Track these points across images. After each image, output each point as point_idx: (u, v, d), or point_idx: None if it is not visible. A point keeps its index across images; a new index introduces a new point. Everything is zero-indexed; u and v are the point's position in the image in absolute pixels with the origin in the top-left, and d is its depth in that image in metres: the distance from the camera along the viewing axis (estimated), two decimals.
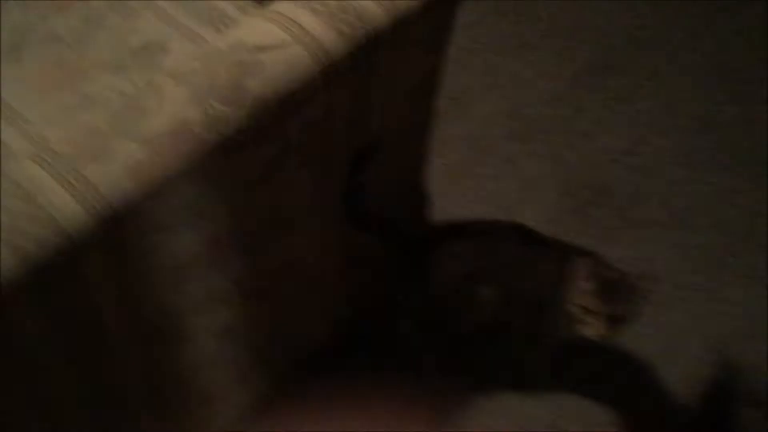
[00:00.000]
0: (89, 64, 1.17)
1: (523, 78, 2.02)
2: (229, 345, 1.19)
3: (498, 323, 1.37)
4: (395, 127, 1.27)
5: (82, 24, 1.22)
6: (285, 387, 1.36)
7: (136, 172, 0.81)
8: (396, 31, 1.03)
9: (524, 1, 2.16)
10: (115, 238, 0.83)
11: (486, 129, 1.92)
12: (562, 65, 2.05)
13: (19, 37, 1.21)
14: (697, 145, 1.88)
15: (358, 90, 1.07)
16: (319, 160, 1.10)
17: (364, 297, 1.46)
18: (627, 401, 1.44)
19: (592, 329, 1.21)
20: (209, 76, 0.88)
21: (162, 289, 0.98)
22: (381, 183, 1.27)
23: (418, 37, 1.14)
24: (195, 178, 0.87)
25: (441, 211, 1.72)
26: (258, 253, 1.11)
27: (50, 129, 1.08)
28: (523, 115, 1.94)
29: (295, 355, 1.39)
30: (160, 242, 0.90)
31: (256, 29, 0.95)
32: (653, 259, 1.64)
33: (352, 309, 1.44)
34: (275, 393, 1.34)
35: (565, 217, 1.72)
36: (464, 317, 1.37)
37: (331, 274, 1.33)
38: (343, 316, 1.44)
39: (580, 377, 1.46)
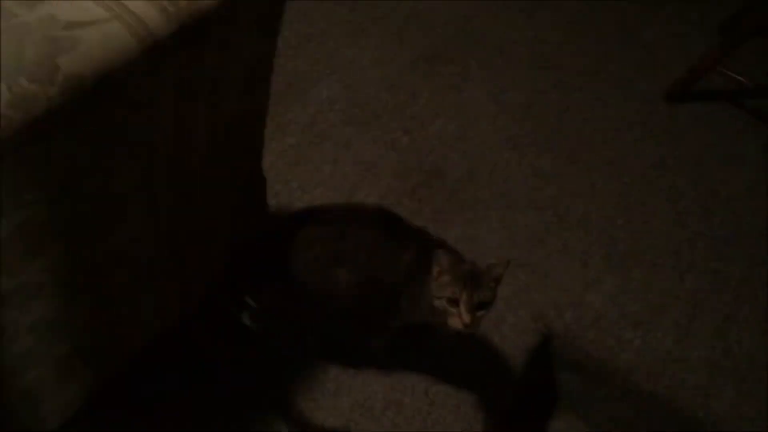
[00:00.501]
0: None
1: (359, 64, 2.06)
2: (50, 340, 1.12)
3: (352, 307, 1.37)
4: (228, 113, 1.24)
5: None
6: (115, 384, 1.30)
7: None
8: (225, 12, 1.01)
9: None
10: None
11: (323, 114, 1.94)
12: (397, 53, 2.11)
13: None
14: (520, 130, 2.01)
15: (186, 74, 1.04)
16: (146, 146, 1.06)
17: (198, 291, 1.43)
18: (459, 373, 1.52)
19: (455, 321, 1.21)
20: (16, 52, 0.82)
21: None
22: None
23: (248, 19, 1.13)
24: (7, 161, 0.81)
25: (278, 195, 1.72)
26: (79, 244, 1.05)
27: None
28: (359, 101, 1.98)
29: (125, 350, 1.34)
30: None
31: (72, 5, 0.90)
32: (482, 238, 1.74)
33: (186, 303, 1.40)
34: (105, 390, 1.28)
35: (400, 199, 1.78)
36: (323, 302, 1.36)
37: (162, 269, 1.29)
38: (176, 312, 1.39)
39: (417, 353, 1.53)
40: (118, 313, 1.26)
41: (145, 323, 1.35)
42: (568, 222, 1.83)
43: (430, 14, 2.24)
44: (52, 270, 1.04)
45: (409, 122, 1.97)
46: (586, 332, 1.61)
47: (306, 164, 1.81)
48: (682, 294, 1.71)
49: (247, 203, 1.49)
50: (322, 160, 1.83)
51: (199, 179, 1.26)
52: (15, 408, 1.15)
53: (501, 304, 1.62)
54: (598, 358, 1.59)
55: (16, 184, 0.86)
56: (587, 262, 1.74)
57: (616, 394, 1.60)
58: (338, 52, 2.08)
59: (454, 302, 1.20)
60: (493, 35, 2.24)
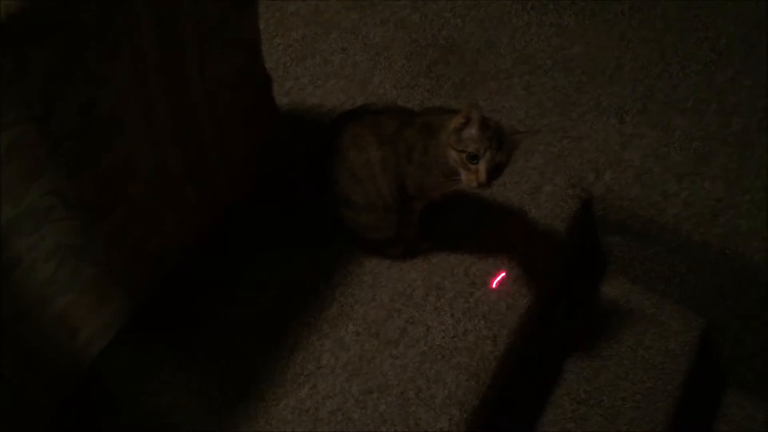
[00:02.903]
0: None
1: None
2: (73, 265, 1.10)
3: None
4: (215, 8, 1.16)
5: None
6: (150, 303, 1.29)
7: None
8: None
9: None
10: None
11: (326, 1, 1.83)
12: None
13: None
14: None
15: None
16: (128, 47, 0.99)
17: (224, 201, 1.38)
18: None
19: (470, 177, 1.16)
20: None
21: None
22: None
23: None
24: None
25: (289, 93, 1.64)
26: (78, 161, 1.00)
27: None
28: None
29: (156, 269, 1.31)
30: None
31: None
32: (509, 108, 1.65)
33: (214, 215, 1.36)
34: (141, 310, 1.27)
35: (416, 80, 1.68)
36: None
37: (178, 179, 1.25)
38: (203, 225, 1.36)
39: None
40: (141, 229, 1.23)
41: (172, 238, 1.32)
42: (599, 79, 1.71)
43: None
44: (56, 192, 1.00)
45: None
46: (628, 191, 1.52)
47: (314, 57, 1.72)
48: (729, 137, 1.60)
49: (255, 105, 1.42)
50: (331, 51, 1.74)
51: (195, 82, 1.19)
52: (52, 337, 1.14)
53: (535, 174, 1.54)
54: (643, 216, 1.51)
55: None
56: (623, 118, 1.63)
57: (666, 251, 1.53)
58: None
59: (474, 158, 1.14)
60: None
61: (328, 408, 1.25)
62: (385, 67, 1.70)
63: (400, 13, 1.81)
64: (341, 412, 1.24)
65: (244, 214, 1.41)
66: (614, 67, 1.72)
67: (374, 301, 1.37)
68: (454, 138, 1.16)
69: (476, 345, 1.32)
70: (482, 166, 1.15)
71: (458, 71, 1.71)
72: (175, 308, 1.33)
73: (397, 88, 1.66)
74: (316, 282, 1.39)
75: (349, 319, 1.35)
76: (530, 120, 1.62)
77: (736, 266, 1.46)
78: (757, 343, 1.58)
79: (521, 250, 1.44)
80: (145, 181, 1.16)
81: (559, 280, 1.56)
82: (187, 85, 1.17)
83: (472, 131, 1.15)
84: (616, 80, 1.70)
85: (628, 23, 1.81)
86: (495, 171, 1.16)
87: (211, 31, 1.17)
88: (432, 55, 1.73)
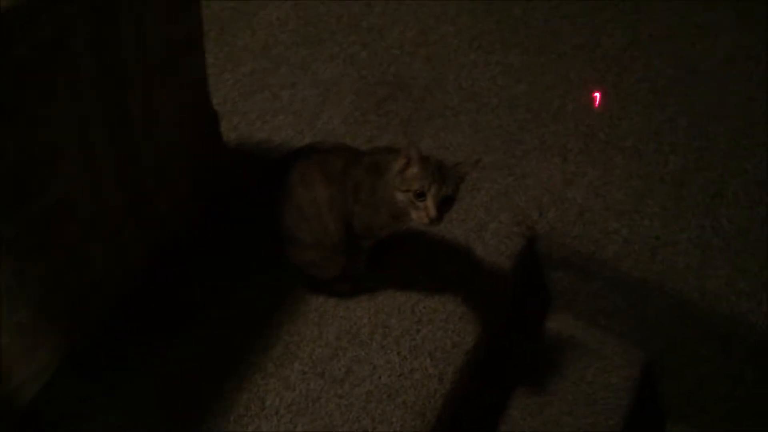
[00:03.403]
0: None
1: None
2: (8, 307, 1.06)
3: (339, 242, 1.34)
4: (158, 41, 1.15)
5: None
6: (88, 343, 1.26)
7: None
8: None
9: None
10: None
11: (275, 37, 1.83)
12: None
13: None
14: (484, 27, 1.91)
15: (100, 6, 0.95)
16: (64, 85, 0.97)
17: (167, 242, 1.36)
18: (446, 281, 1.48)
19: (420, 215, 1.18)
20: None
21: None
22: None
23: None
24: None
25: (237, 128, 1.64)
26: (11, 203, 0.98)
27: None
28: (311, 18, 1.87)
29: (95, 310, 1.28)
30: None
31: None
32: (455, 145, 1.67)
33: (155, 254, 1.34)
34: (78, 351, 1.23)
35: (365, 116, 1.70)
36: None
37: (119, 221, 1.22)
38: (140, 263, 1.33)
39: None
40: (79, 271, 1.20)
41: (110, 277, 1.29)
42: (543, 117, 1.75)
43: None
44: None
45: (366, 34, 1.87)
46: (571, 228, 1.56)
47: (263, 92, 1.72)
48: (667, 176, 1.66)
49: (201, 141, 1.41)
50: (280, 86, 1.74)
51: (138, 121, 1.18)
52: None
53: (481, 211, 1.56)
54: (585, 253, 1.54)
55: None
56: (566, 157, 1.68)
57: (608, 287, 1.56)
58: None
59: (421, 195, 1.16)
60: None
61: None
62: (335, 103, 1.71)
63: (350, 50, 1.83)
64: None
65: (186, 251, 1.40)
66: (558, 106, 1.77)
67: (320, 339, 1.36)
68: (398, 180, 1.18)
69: (422, 383, 1.33)
70: (430, 202, 1.16)
71: (406, 108, 1.73)
72: (114, 348, 1.29)
73: (346, 124, 1.67)
74: (261, 320, 1.38)
75: (295, 357, 1.33)
76: (477, 156, 1.64)
77: (674, 302, 1.50)
78: (695, 377, 1.62)
79: (467, 287, 1.45)
80: (83, 222, 1.13)
81: (505, 316, 1.58)
82: (131, 124, 1.16)
83: (414, 170, 1.17)
84: (560, 119, 1.74)
85: (571, 63, 1.87)
86: (444, 205, 1.18)
87: (156, 70, 1.16)
88: (381, 92, 1.75)
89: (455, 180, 1.18)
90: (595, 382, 1.56)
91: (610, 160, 1.67)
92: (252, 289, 1.40)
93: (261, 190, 1.37)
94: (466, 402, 1.44)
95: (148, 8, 1.09)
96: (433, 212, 1.17)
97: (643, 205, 1.60)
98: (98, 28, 1.00)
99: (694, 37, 1.95)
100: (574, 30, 1.92)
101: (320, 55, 1.81)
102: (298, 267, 1.38)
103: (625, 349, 1.61)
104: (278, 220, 1.32)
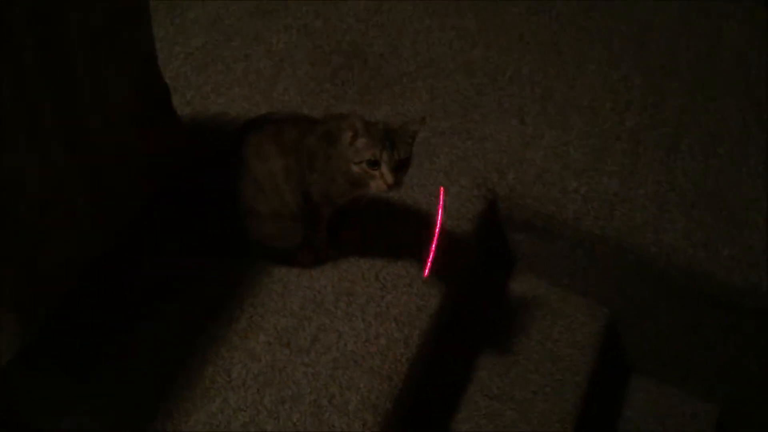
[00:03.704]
0: None
1: None
2: None
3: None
4: (103, 16, 1.12)
5: None
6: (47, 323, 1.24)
7: None
8: None
9: None
10: None
11: (226, 9, 1.80)
12: None
13: None
14: None
15: None
16: (4, 59, 0.95)
17: (125, 218, 1.34)
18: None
19: (378, 183, 1.17)
20: None
21: None
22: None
23: None
24: None
25: (191, 102, 1.61)
26: None
27: None
28: None
29: (52, 290, 1.26)
30: None
31: None
32: (413, 111, 1.66)
33: (113, 230, 1.32)
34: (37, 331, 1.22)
35: (321, 86, 1.68)
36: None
37: (73, 195, 1.20)
38: (101, 241, 1.31)
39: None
40: (31, 248, 1.17)
41: (66, 256, 1.26)
42: (500, 81, 1.75)
43: None
44: None
45: (319, 4, 1.84)
46: (531, 189, 1.57)
47: (216, 65, 1.69)
48: (623, 134, 1.67)
49: (153, 116, 1.38)
50: (234, 58, 1.71)
51: (86, 94, 1.15)
52: None
53: (441, 177, 1.56)
54: (545, 213, 1.55)
55: None
56: (524, 119, 1.68)
57: (569, 246, 1.58)
58: None
59: (375, 164, 1.15)
60: None
61: (240, 421, 1.23)
62: (290, 74, 1.69)
63: (303, 19, 1.80)
64: (254, 424, 1.23)
65: (144, 227, 1.38)
66: (514, 69, 1.77)
67: (284, 310, 1.36)
68: (351, 152, 1.17)
69: (388, 348, 1.33)
70: (385, 169, 1.16)
71: (362, 76, 1.72)
72: (75, 326, 1.28)
73: (302, 94, 1.66)
74: (224, 293, 1.37)
75: (260, 329, 1.33)
76: (434, 122, 1.64)
77: (633, 258, 1.53)
78: (655, 330, 1.65)
79: (430, 252, 1.45)
80: (32, 199, 1.11)
81: (469, 278, 1.59)
82: (79, 98, 1.14)
83: (363, 140, 1.16)
84: (516, 82, 1.75)
85: (526, 25, 1.87)
86: (400, 169, 1.18)
87: (101, 41, 1.14)
88: (336, 61, 1.73)
89: (406, 141, 1.18)
90: (560, 340, 1.58)
91: (567, 120, 1.68)
92: (214, 264, 1.39)
93: (216, 165, 1.35)
94: (433, 365, 1.45)
95: None
96: (390, 179, 1.16)
97: (601, 163, 1.61)
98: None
99: None
100: None
101: (274, 25, 1.78)
102: (257, 240, 1.37)
103: (588, 307, 1.64)
104: (236, 194, 1.31)
